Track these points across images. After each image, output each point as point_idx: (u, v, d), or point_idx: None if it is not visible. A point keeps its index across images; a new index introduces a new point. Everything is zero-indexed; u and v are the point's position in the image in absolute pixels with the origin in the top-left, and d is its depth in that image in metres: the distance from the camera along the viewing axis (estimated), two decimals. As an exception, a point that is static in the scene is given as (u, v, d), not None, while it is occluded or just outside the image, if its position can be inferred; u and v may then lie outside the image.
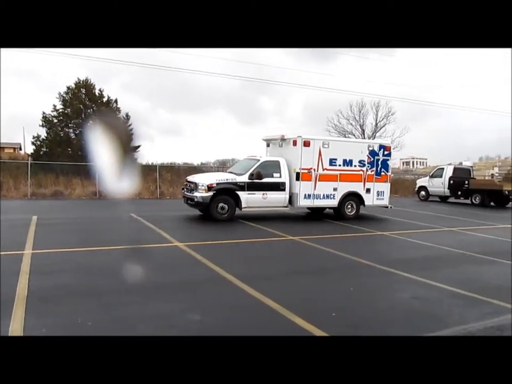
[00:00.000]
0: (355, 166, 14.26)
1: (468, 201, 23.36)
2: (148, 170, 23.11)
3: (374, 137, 37.28)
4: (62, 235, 9.37)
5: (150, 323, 4.49)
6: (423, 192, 25.53)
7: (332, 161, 13.81)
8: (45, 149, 25.22)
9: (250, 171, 12.71)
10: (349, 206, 14.28)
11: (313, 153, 13.48)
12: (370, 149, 14.65)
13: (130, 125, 26.85)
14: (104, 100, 26.81)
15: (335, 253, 8.53)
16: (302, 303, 5.39)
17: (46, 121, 25.49)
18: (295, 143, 13.43)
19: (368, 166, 14.49)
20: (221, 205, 12.30)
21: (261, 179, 12.68)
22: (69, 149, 25.26)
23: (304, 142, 13.36)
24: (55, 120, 25.81)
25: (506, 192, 22.53)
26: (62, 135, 25.80)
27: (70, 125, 26.13)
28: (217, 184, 12.28)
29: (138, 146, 27.21)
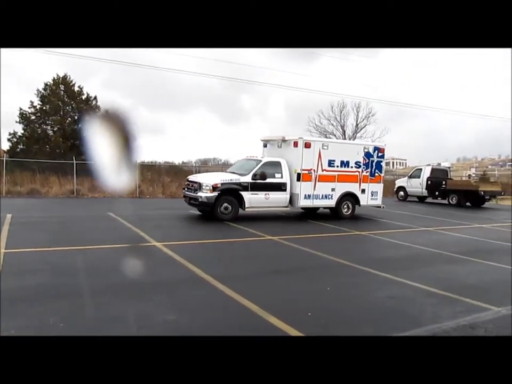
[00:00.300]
0: (351, 167, 14.67)
1: (445, 201, 23.80)
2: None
3: (355, 138, 37.63)
4: (37, 234, 9.18)
5: (123, 324, 4.44)
6: (401, 193, 25.88)
7: (331, 163, 14.17)
8: (21, 146, 24.74)
9: (254, 171, 12.80)
10: (345, 206, 14.65)
11: (313, 154, 13.79)
12: (366, 150, 15.09)
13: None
14: (84, 97, 26.43)
15: (313, 253, 8.57)
16: (278, 303, 5.40)
17: (23, 117, 25.00)
18: (296, 144, 13.68)
19: (364, 167, 14.94)
20: (225, 205, 12.37)
21: (264, 179, 12.83)
22: (47, 146, 24.84)
23: (305, 143, 13.67)
24: (33, 117, 25.34)
25: (482, 192, 23.05)
26: (39, 132, 25.35)
27: (48, 122, 25.68)
28: (221, 184, 12.31)
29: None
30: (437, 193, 24.05)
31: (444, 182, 23.93)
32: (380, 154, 15.43)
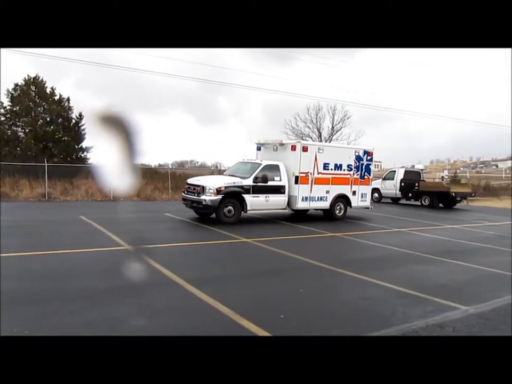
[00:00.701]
0: (344, 170, 15.25)
1: (418, 202, 24.24)
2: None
3: (331, 140, 37.92)
4: (4, 239, 8.91)
5: (91, 329, 4.33)
6: (376, 194, 26.20)
7: (325, 166, 14.67)
8: (-10, 148, 24.01)
9: (255, 174, 13.01)
10: (338, 208, 15.20)
11: (310, 158, 14.25)
12: (356, 154, 15.73)
13: (83, 125, 26.07)
14: (56, 98, 25.86)
15: (286, 254, 8.59)
16: (250, 306, 5.38)
17: (-8, 119, 24.29)
18: (293, 148, 14.10)
19: (354, 170, 15.54)
20: (228, 208, 12.51)
21: (266, 182, 13.08)
22: (18, 149, 24.18)
23: (303, 147, 14.14)
24: (2, 118, 24.65)
25: (454, 194, 23.59)
26: (9, 133, 24.67)
27: (18, 124, 25.02)
28: (225, 187, 12.42)
29: (91, 147, 26.43)
30: (410, 194, 24.48)
31: (416, 184, 24.39)
32: (368, 157, 16.11)
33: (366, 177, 15.98)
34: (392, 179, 25.06)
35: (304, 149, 14.11)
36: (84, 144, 26.19)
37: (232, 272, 7.20)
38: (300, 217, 14.75)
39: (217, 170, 26.27)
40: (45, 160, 19.31)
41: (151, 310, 5.06)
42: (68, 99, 26.12)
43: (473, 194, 27.21)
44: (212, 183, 12.59)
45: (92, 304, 5.10)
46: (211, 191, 12.22)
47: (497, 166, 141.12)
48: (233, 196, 12.59)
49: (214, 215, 12.73)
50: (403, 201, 25.17)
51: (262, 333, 4.43)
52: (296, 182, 13.90)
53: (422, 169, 27.19)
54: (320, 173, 14.51)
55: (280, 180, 13.62)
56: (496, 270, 8.15)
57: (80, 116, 25.97)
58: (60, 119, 25.54)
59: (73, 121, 25.92)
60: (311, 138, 39.22)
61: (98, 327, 4.44)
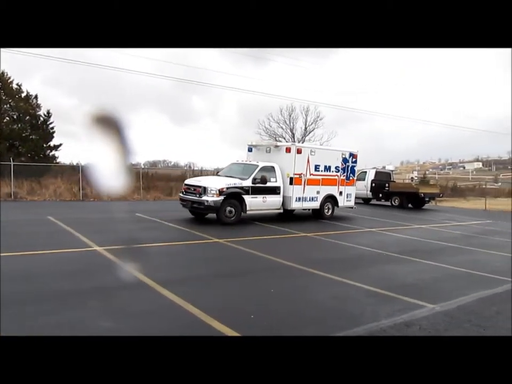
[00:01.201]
0: (332, 171, 15.96)
1: (388, 203, 24.70)
2: (72, 171, 21.98)
3: (304, 141, 38.20)
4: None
5: (54, 332, 4.21)
6: (347, 195, 26.57)
7: (316, 167, 15.30)
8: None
9: (253, 175, 13.31)
10: (327, 207, 15.90)
11: (303, 159, 14.77)
12: (343, 156, 16.45)
13: (51, 123, 25.42)
14: (23, 95, 25.13)
15: (258, 255, 8.60)
16: (221, 307, 5.35)
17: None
18: (288, 150, 14.60)
19: (341, 172, 16.30)
20: (229, 208, 12.74)
21: (265, 183, 13.47)
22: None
23: (298, 149, 14.68)
24: (-34, 115, 23.79)
25: (422, 194, 24.16)
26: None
27: (-19, 121, 24.19)
28: (227, 188, 12.67)
29: (60, 145, 25.84)
30: (380, 195, 24.92)
31: (387, 185, 24.85)
32: (353, 159, 16.89)
33: (351, 178, 16.82)
34: (363, 180, 25.42)
35: (299, 151, 14.63)
36: (52, 143, 25.59)
37: (203, 273, 7.15)
38: (274, 218, 14.77)
39: (190, 170, 26.10)
40: (11, 159, 18.74)
41: (121, 312, 4.97)
42: (36, 96, 25.45)
43: (441, 195, 27.96)
44: (213, 184, 12.74)
45: (56, 307, 4.97)
46: (213, 192, 12.40)
47: (464, 168, 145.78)
48: (234, 197, 12.84)
49: (202, 216, 12.62)
50: (374, 201, 25.59)
51: (232, 334, 4.41)
52: (291, 183, 14.37)
53: (392, 170, 27.73)
54: (312, 174, 15.09)
55: (276, 181, 14.02)
56: (461, 269, 8.38)
57: (49, 114, 25.35)
58: (28, 117, 24.83)
59: (41, 119, 25.27)
60: (284, 139, 39.46)
61: (58, 330, 4.33)
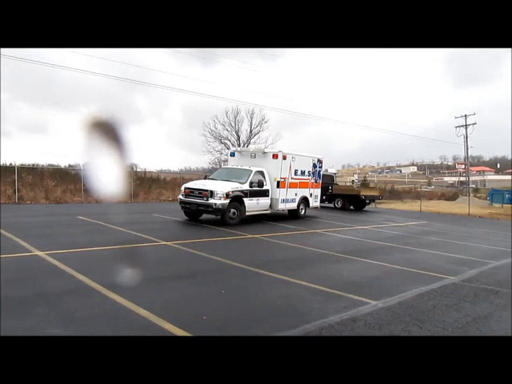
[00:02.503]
0: (306, 175, 17.74)
1: (331, 205, 25.46)
2: (5, 172, 20.78)
3: (249, 144, 38.46)
4: None
5: None
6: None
7: (296, 172, 16.94)
8: None
9: (250, 180, 14.48)
10: (302, 208, 17.63)
11: (287, 165, 16.29)
12: (314, 161, 18.37)
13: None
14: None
15: (207, 257, 8.60)
16: (172, 309, 5.33)
17: None
18: (275, 156, 15.95)
19: (312, 175, 18.17)
20: (232, 210, 13.74)
21: (262, 187, 14.85)
22: None
23: (283, 156, 16.03)
24: None
25: (363, 197, 25.16)
26: None
27: None
28: (232, 192, 13.63)
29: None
30: (324, 197, 25.62)
31: (330, 187, 25.60)
32: (320, 164, 18.93)
33: (318, 181, 18.88)
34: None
35: (284, 157, 16.05)
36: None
37: (152, 275, 7.05)
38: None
39: (134, 172, 25.48)
40: None
41: (65, 318, 4.81)
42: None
43: (380, 197, 29.26)
44: (220, 188, 13.54)
45: (4, 315, 4.73)
46: (220, 195, 13.24)
47: (401, 171, 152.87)
48: (237, 200, 13.83)
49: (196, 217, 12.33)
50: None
51: (185, 335, 4.42)
52: (278, 186, 15.73)
53: (335, 173, 28.60)
54: (293, 178, 16.67)
55: (266, 185, 15.19)
56: (399, 267, 8.85)
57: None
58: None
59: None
60: (229, 141, 39.59)
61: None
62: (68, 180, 22.84)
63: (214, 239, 11.25)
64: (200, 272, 7.49)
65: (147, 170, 28.14)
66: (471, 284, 7.69)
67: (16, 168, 20.12)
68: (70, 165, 31.09)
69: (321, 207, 25.24)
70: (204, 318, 5.05)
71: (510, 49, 3.20)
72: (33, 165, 24.60)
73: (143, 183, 25.31)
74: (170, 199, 24.43)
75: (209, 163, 41.12)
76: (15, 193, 18.98)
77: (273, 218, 16.16)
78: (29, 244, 8.56)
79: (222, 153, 39.95)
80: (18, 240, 9.03)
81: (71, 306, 5.24)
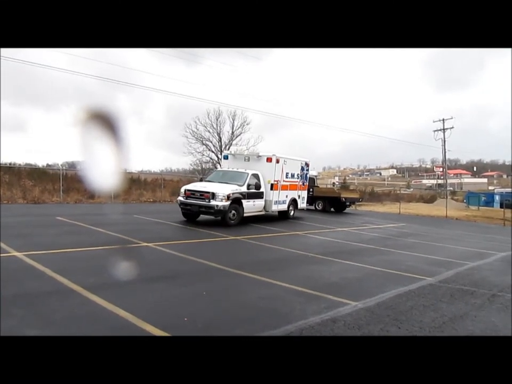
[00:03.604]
0: (295, 178, 18.41)
1: (312, 207, 25.63)
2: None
3: (231, 145, 38.47)
4: None
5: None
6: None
7: (287, 175, 17.61)
8: None
9: (247, 182, 14.96)
10: (291, 209, 18.24)
11: (279, 168, 16.93)
12: (302, 165, 19.10)
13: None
14: None
15: (188, 258, 8.59)
16: (153, 311, 5.31)
17: None
18: (269, 159, 16.55)
19: (300, 178, 18.87)
20: (233, 212, 14.08)
21: (259, 189, 15.52)
22: None
23: (277, 159, 16.69)
24: None
25: (344, 199, 25.43)
26: None
27: None
28: (232, 194, 13.99)
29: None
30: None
31: (311, 189, 25.75)
32: (307, 167, 19.73)
33: (305, 184, 19.67)
34: (289, 184, 26.17)
35: (277, 161, 16.70)
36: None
37: (133, 277, 6.98)
38: (209, 222, 14.77)
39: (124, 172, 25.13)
40: None
41: (44, 320, 4.75)
42: None
43: (360, 200, 29.61)
44: (221, 190, 13.85)
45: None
46: (221, 197, 13.55)
47: (380, 174, 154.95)
48: (236, 201, 14.20)
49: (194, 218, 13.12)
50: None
51: (165, 335, 4.41)
52: (271, 189, 16.31)
53: (316, 176, 28.80)
54: (284, 180, 17.30)
55: (260, 187, 15.69)
56: (379, 268, 8.99)
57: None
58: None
59: None
60: (211, 142, 39.54)
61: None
62: (46, 179, 22.44)
63: (195, 240, 11.23)
64: (181, 274, 7.48)
65: (127, 170, 27.86)
66: (447, 284, 7.86)
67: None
68: (48, 165, 30.58)
69: (302, 209, 25.47)
70: (185, 319, 5.05)
71: (501, 51, 3.18)
72: (10, 164, 24.11)
73: (123, 184, 25.00)
74: (151, 200, 24.25)
75: (191, 164, 41.07)
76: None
77: (257, 220, 16.18)
78: (6, 245, 8.39)
79: (203, 155, 39.92)
80: (-6, 241, 8.84)
81: (50, 307, 5.18)
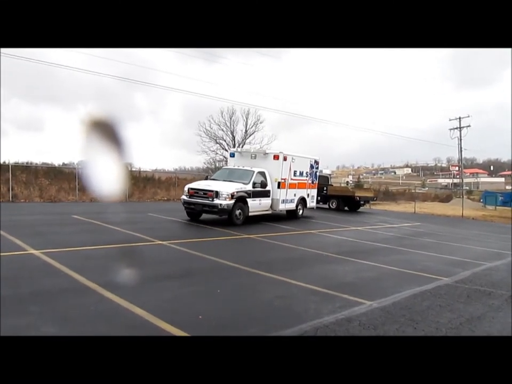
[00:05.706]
0: (304, 176, 18.03)
1: (326, 206, 25.53)
2: (-1, 170, 20.62)
3: (244, 144, 38.49)
4: None
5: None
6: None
7: (295, 173, 17.19)
8: None
9: (252, 180, 14.60)
10: (300, 208, 17.83)
11: (287, 166, 16.54)
12: (311, 162, 18.72)
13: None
14: None
15: (203, 256, 8.61)
16: (168, 308, 5.34)
17: None
18: (276, 157, 16.10)
19: (309, 176, 18.47)
20: (238, 211, 13.82)
21: (265, 187, 15.05)
22: None
23: (284, 157, 16.25)
24: None
25: (358, 198, 25.25)
26: None
27: None
28: (237, 192, 13.73)
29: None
30: (318, 198, 25.68)
31: (325, 188, 25.65)
32: (317, 166, 19.37)
33: (314, 182, 19.26)
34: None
35: (285, 159, 16.26)
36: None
37: (148, 275, 7.05)
38: (216, 221, 14.81)
39: (129, 171, 25.39)
40: None
41: (62, 317, 4.80)
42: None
43: (374, 199, 29.36)
44: (224, 188, 13.57)
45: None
46: (225, 195, 13.31)
47: (395, 173, 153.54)
48: (241, 200, 13.93)
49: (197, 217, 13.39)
50: (312, 204, 26.29)
51: (181, 334, 4.43)
52: (278, 187, 15.89)
53: (330, 174, 28.69)
54: (292, 179, 16.89)
55: (267, 185, 15.25)
56: (395, 268, 8.91)
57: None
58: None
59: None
60: (224, 141, 39.59)
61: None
62: (62, 178, 22.73)
63: (209, 238, 11.26)
64: (195, 272, 7.50)
65: (142, 169, 28.08)
66: (464, 285, 7.75)
67: (10, 166, 19.99)
68: (64, 163, 30.96)
69: (316, 207, 25.38)
70: (200, 317, 5.06)
71: (510, 49, 3.17)
72: (27, 163, 24.49)
73: (138, 183, 25.24)
74: (165, 198, 24.41)
75: (204, 163, 41.18)
76: (9, 191, 18.87)
77: (268, 219, 16.16)
78: (23, 243, 8.52)
79: (217, 153, 40.01)
80: (12, 238, 8.98)
81: (66, 305, 5.24)
